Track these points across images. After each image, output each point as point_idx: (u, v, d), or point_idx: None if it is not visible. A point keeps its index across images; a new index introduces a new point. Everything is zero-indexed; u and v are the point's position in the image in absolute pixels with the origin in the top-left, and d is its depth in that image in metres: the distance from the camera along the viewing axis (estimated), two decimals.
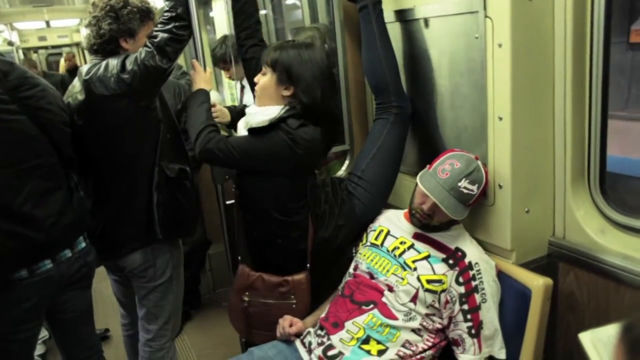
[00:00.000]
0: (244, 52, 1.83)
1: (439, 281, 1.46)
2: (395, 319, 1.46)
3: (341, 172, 2.23)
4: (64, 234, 1.59)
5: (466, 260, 1.48)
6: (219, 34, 3.33)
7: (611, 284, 1.42)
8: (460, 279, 1.46)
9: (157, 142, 1.74)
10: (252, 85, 1.82)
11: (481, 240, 1.58)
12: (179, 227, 1.85)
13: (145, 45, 1.60)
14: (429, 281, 1.47)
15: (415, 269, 1.49)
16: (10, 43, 8.13)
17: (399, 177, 1.80)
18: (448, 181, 1.44)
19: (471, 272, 1.46)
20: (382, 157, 1.73)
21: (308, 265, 1.65)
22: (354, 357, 1.44)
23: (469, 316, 1.45)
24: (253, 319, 1.72)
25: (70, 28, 9.87)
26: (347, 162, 2.24)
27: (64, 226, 1.57)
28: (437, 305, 1.47)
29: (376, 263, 1.56)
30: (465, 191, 1.44)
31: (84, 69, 1.67)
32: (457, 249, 1.50)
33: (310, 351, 1.52)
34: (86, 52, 1.92)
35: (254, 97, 1.68)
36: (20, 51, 8.73)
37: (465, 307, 1.45)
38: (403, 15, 1.76)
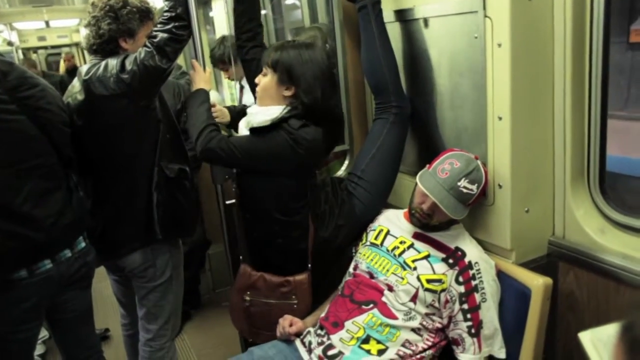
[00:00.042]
0: (245, 53, 1.83)
1: (439, 281, 1.46)
2: (395, 318, 1.46)
3: (341, 172, 2.23)
4: (63, 234, 1.59)
5: (466, 260, 1.48)
6: (218, 34, 3.33)
7: (611, 283, 1.42)
8: (460, 279, 1.46)
9: (157, 142, 1.74)
10: (253, 86, 1.82)
11: (481, 240, 1.58)
12: (178, 227, 1.85)
13: (145, 45, 1.60)
14: (428, 281, 1.47)
15: (415, 268, 1.49)
16: (9, 43, 8.13)
17: (399, 177, 1.80)
18: (448, 181, 1.44)
19: (471, 272, 1.46)
20: (382, 157, 1.73)
21: (309, 265, 1.65)
22: (353, 356, 1.44)
23: (468, 315, 1.45)
24: (254, 318, 1.72)
25: (69, 28, 9.87)
26: (346, 162, 2.25)
27: (63, 226, 1.57)
28: (437, 304, 1.47)
29: (376, 263, 1.56)
30: (464, 191, 1.44)
31: (83, 69, 1.67)
32: (457, 249, 1.50)
33: (310, 351, 1.52)
34: (86, 52, 1.91)
35: (255, 97, 1.68)
36: (20, 51, 8.73)
37: (465, 306, 1.45)
38: (402, 15, 1.76)
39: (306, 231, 1.63)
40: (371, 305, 1.49)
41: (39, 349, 2.65)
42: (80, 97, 1.64)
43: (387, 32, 1.73)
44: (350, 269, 1.64)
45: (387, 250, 1.57)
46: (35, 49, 10.69)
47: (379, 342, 1.45)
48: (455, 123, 1.65)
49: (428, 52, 1.70)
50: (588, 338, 0.92)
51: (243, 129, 1.64)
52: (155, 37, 1.60)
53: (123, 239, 1.78)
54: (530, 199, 1.52)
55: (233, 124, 1.94)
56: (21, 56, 8.19)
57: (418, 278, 1.47)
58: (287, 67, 1.56)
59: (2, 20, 7.65)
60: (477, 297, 1.45)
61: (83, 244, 1.67)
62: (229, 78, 3.02)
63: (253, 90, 1.83)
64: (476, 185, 1.45)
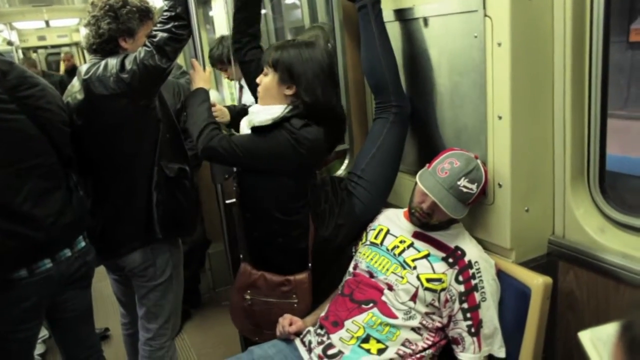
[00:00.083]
0: (243, 55, 1.83)
1: (439, 280, 1.46)
2: (395, 317, 1.46)
3: (341, 171, 2.23)
4: (63, 234, 1.59)
5: (466, 259, 1.48)
6: (218, 34, 3.33)
7: (611, 282, 1.42)
8: (460, 278, 1.46)
9: (157, 142, 1.74)
10: (252, 87, 1.82)
11: (481, 239, 1.58)
12: (178, 226, 1.86)
13: (145, 45, 1.60)
14: (428, 280, 1.47)
15: (414, 267, 1.49)
16: (9, 43, 8.13)
17: (399, 176, 1.80)
18: (447, 180, 1.44)
19: (471, 271, 1.46)
20: (382, 156, 1.73)
21: (309, 264, 1.65)
22: (353, 356, 1.44)
23: (468, 315, 1.45)
24: (254, 317, 1.73)
25: (69, 28, 9.87)
26: (346, 161, 2.24)
27: (63, 225, 1.57)
28: (436, 304, 1.47)
29: (376, 262, 1.56)
30: (464, 190, 1.44)
31: (83, 68, 1.67)
32: (457, 248, 1.50)
33: (310, 350, 1.52)
34: (85, 52, 1.91)
35: (255, 98, 1.68)
36: (20, 51, 8.73)
37: (465, 305, 1.45)
38: (402, 15, 1.76)
39: (306, 230, 1.63)
40: (371, 305, 1.49)
41: (39, 349, 2.66)
42: (80, 96, 1.64)
43: (387, 32, 1.73)
44: (350, 268, 1.64)
45: (387, 250, 1.57)
46: (35, 49, 10.70)
47: (378, 341, 1.45)
48: (455, 122, 1.65)
49: (428, 51, 1.70)
50: (588, 337, 0.92)
51: (245, 128, 1.64)
52: (155, 36, 1.60)
53: (123, 238, 1.78)
54: (530, 198, 1.52)
55: (233, 124, 1.94)
56: (21, 56, 8.20)
57: (418, 277, 1.47)
58: (287, 66, 1.56)
59: (2, 20, 7.66)
60: (477, 296, 1.45)
61: (83, 244, 1.67)
62: (228, 78, 3.02)
63: (253, 91, 1.83)
64: (476, 184, 1.45)
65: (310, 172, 1.67)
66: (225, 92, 3.62)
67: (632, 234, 1.41)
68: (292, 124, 1.53)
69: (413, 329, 1.47)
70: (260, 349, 1.59)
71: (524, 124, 1.45)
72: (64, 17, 8.43)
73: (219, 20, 3.56)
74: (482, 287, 1.46)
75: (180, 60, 3.80)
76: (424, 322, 1.47)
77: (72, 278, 1.64)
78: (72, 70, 6.08)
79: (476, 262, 1.47)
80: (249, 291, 1.70)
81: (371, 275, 1.55)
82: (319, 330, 1.55)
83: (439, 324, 1.49)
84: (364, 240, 1.68)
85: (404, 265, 1.51)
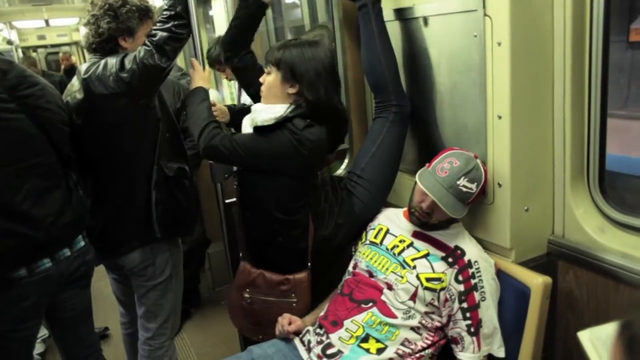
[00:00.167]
0: (236, 62, 1.81)
1: (438, 279, 1.46)
2: (395, 317, 1.46)
3: (340, 170, 2.23)
4: (63, 233, 1.59)
5: (465, 259, 1.48)
6: (218, 33, 3.33)
7: (610, 282, 1.42)
8: (460, 277, 1.46)
9: (156, 141, 1.74)
10: (249, 93, 1.82)
11: (480, 239, 1.58)
12: (177, 226, 1.85)
13: (144, 44, 1.60)
14: (428, 279, 1.47)
15: (414, 267, 1.49)
16: (9, 42, 8.13)
17: (399, 176, 1.80)
18: (447, 179, 1.44)
19: (470, 270, 1.46)
20: (382, 156, 1.73)
21: (309, 264, 1.65)
22: (353, 355, 1.44)
23: (468, 314, 1.45)
24: (253, 316, 1.72)
25: (69, 27, 9.87)
26: (346, 160, 2.25)
27: (62, 225, 1.57)
28: (436, 303, 1.47)
29: (375, 261, 1.56)
30: (464, 189, 1.44)
31: (82, 67, 1.67)
32: (457, 247, 1.50)
33: (309, 350, 1.52)
34: (85, 51, 1.91)
35: (252, 101, 1.68)
36: (20, 50, 8.73)
37: (465, 305, 1.45)
38: (402, 14, 1.76)
39: (306, 230, 1.63)
40: (370, 304, 1.49)
41: (39, 348, 2.66)
42: (79, 95, 1.64)
43: (387, 31, 1.73)
44: (350, 268, 1.64)
45: (387, 249, 1.57)
46: (35, 48, 10.70)
47: (378, 340, 1.45)
48: (454, 122, 1.65)
49: (428, 51, 1.69)
50: (587, 337, 0.92)
51: (247, 127, 1.64)
52: (154, 35, 1.59)
53: (122, 237, 1.78)
54: (530, 197, 1.51)
55: (233, 123, 1.94)
56: (21, 55, 8.19)
57: (417, 277, 1.47)
58: (290, 65, 1.56)
59: (2, 19, 7.66)
60: (477, 295, 1.45)
61: (82, 243, 1.67)
62: (227, 78, 3.02)
63: (252, 96, 1.82)
64: (475, 184, 1.45)
65: (312, 173, 1.66)
66: (224, 92, 3.63)
67: (632, 234, 1.41)
68: (295, 124, 1.53)
69: (412, 329, 1.47)
70: (260, 348, 1.59)
71: (523, 124, 1.45)
72: (64, 16, 8.43)
73: (218, 19, 3.56)
74: (482, 287, 1.46)
75: (180, 60, 3.80)
76: (424, 321, 1.47)
77: (72, 277, 1.64)
78: (70, 70, 6.08)
79: (476, 261, 1.47)
80: (248, 290, 1.70)
81: (371, 275, 1.55)
82: (318, 330, 1.55)
83: (438, 324, 1.49)
84: (363, 239, 1.68)
85: (403, 264, 1.51)
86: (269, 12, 3.66)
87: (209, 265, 3.30)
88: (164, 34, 1.59)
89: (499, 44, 1.40)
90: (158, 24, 1.62)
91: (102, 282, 2.30)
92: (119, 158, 1.73)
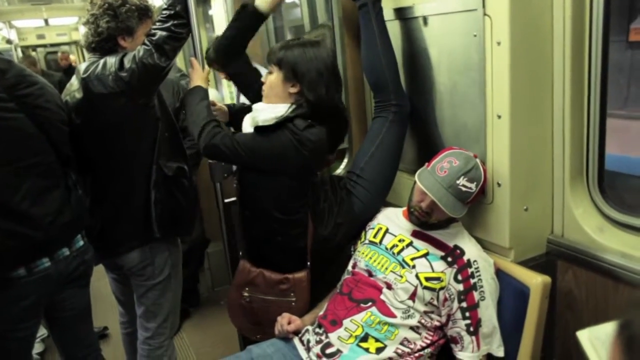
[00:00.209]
0: (231, 67, 1.80)
1: (438, 279, 1.46)
2: (394, 316, 1.46)
3: (340, 170, 2.23)
4: (62, 233, 1.58)
5: (465, 258, 1.48)
6: (218, 32, 3.33)
7: (609, 282, 1.43)
8: (459, 277, 1.46)
9: (155, 140, 1.74)
10: (248, 97, 1.81)
11: (480, 238, 1.58)
12: (176, 225, 1.85)
13: (144, 44, 1.60)
14: (427, 279, 1.47)
15: (413, 266, 1.49)
16: (8, 41, 8.13)
17: (398, 175, 1.80)
18: (446, 179, 1.44)
19: (470, 270, 1.46)
20: (381, 155, 1.72)
21: (308, 263, 1.65)
22: (352, 354, 1.44)
23: (467, 314, 1.45)
24: (252, 315, 1.72)
25: (68, 26, 9.87)
26: (345, 160, 2.24)
27: (61, 224, 1.57)
28: (435, 302, 1.47)
29: (375, 261, 1.56)
30: (463, 189, 1.44)
31: (81, 67, 1.67)
32: (456, 247, 1.50)
33: (308, 349, 1.52)
34: (84, 50, 1.91)
35: (250, 104, 1.68)
36: (19, 49, 8.73)
37: (464, 304, 1.45)
38: (402, 14, 1.76)
39: (305, 229, 1.63)
40: (370, 304, 1.49)
41: (38, 348, 2.66)
42: (78, 95, 1.64)
43: (387, 31, 1.73)
44: (349, 267, 1.64)
45: (386, 249, 1.57)
46: (34, 47, 10.69)
47: (377, 340, 1.45)
48: (454, 121, 1.65)
49: (427, 50, 1.69)
50: (586, 337, 0.92)
51: (247, 126, 1.64)
52: (154, 35, 1.59)
53: (121, 237, 1.78)
54: (529, 197, 1.51)
55: (233, 123, 1.94)
56: (20, 54, 8.18)
57: (417, 276, 1.47)
58: (291, 64, 1.56)
59: (1, 18, 7.66)
60: (476, 295, 1.45)
61: (81, 243, 1.66)
62: (226, 77, 3.02)
63: (251, 101, 1.81)
64: (475, 183, 1.45)
65: (312, 173, 1.66)
66: (224, 91, 3.62)
67: (631, 234, 1.41)
68: (296, 124, 1.53)
69: (412, 328, 1.47)
70: (259, 347, 1.59)
71: (523, 123, 1.45)
72: (63, 15, 8.43)
73: (218, 19, 3.56)
74: (481, 286, 1.46)
75: (179, 59, 3.80)
76: (423, 321, 1.47)
77: (71, 277, 1.64)
78: (68, 69, 6.07)
79: (475, 261, 1.47)
80: (247, 289, 1.70)
81: (370, 274, 1.55)
82: (317, 329, 1.55)
83: (437, 323, 1.49)
84: (363, 239, 1.68)
85: (403, 264, 1.51)
86: None
87: (208, 265, 3.30)
88: (164, 33, 1.59)
89: (499, 43, 1.40)
90: (157, 23, 1.62)
91: (101, 281, 2.30)
92: (118, 157, 1.72)
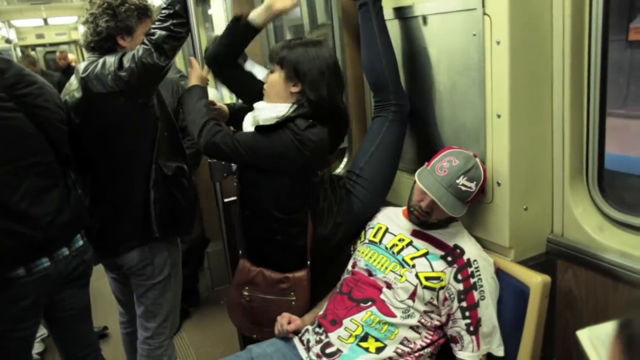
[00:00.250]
0: (224, 75, 1.79)
1: (438, 278, 1.46)
2: (394, 316, 1.46)
3: (339, 170, 2.23)
4: (61, 232, 1.58)
5: (465, 258, 1.48)
6: (217, 32, 3.32)
7: (609, 281, 1.43)
8: (459, 276, 1.46)
9: (155, 140, 1.74)
10: (242, 98, 1.81)
11: (480, 238, 1.58)
12: (176, 225, 1.85)
13: (143, 43, 1.59)
14: (427, 278, 1.47)
15: (413, 266, 1.49)
16: (8, 41, 8.12)
17: (398, 175, 1.80)
18: (446, 178, 1.44)
19: (470, 269, 1.46)
20: (381, 155, 1.72)
21: (308, 262, 1.65)
22: (352, 354, 1.44)
23: (467, 313, 1.45)
24: (252, 314, 1.72)
25: (68, 26, 9.87)
26: (345, 159, 2.24)
27: (61, 224, 1.57)
28: (435, 302, 1.47)
29: (374, 260, 1.56)
30: (463, 188, 1.44)
31: (81, 66, 1.66)
32: (456, 246, 1.50)
33: (308, 349, 1.52)
34: (84, 50, 1.91)
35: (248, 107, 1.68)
36: (18, 49, 8.72)
37: (464, 304, 1.45)
38: (401, 13, 1.76)
39: (305, 228, 1.63)
40: (369, 303, 1.49)
41: (38, 347, 2.66)
42: (77, 94, 1.64)
43: (387, 30, 1.72)
44: (349, 267, 1.64)
45: (386, 248, 1.57)
46: (33, 47, 10.69)
47: (377, 339, 1.45)
48: (453, 121, 1.65)
49: (427, 49, 1.69)
50: (586, 336, 0.92)
51: (248, 125, 1.64)
52: (153, 34, 1.59)
53: (121, 236, 1.78)
54: (529, 196, 1.51)
55: (233, 122, 1.94)
56: (19, 54, 8.18)
57: (417, 276, 1.47)
58: (293, 64, 1.56)
59: (1, 18, 7.65)
60: (476, 294, 1.45)
61: (81, 242, 1.66)
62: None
63: (248, 102, 1.81)
64: (475, 183, 1.45)
65: (312, 173, 1.66)
66: (223, 90, 3.61)
67: (631, 233, 1.41)
68: (297, 124, 1.52)
69: (412, 328, 1.47)
70: (259, 347, 1.59)
71: (522, 123, 1.45)
72: (63, 15, 8.42)
73: (217, 18, 3.55)
74: (481, 286, 1.46)
75: (179, 59, 3.79)
76: (423, 320, 1.47)
77: (70, 277, 1.64)
78: (67, 69, 6.06)
79: (475, 260, 1.47)
80: (247, 288, 1.70)
81: (370, 274, 1.55)
82: (317, 329, 1.55)
83: (437, 323, 1.49)
84: (362, 238, 1.68)
85: (402, 263, 1.51)
86: None
87: (208, 265, 3.30)
88: (163, 32, 1.59)
89: (498, 42, 1.40)
90: (157, 23, 1.62)
91: (101, 281, 2.30)
92: (118, 157, 1.72)
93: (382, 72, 1.72)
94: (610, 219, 1.46)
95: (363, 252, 1.61)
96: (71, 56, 7.37)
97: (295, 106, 1.56)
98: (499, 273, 1.52)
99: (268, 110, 1.57)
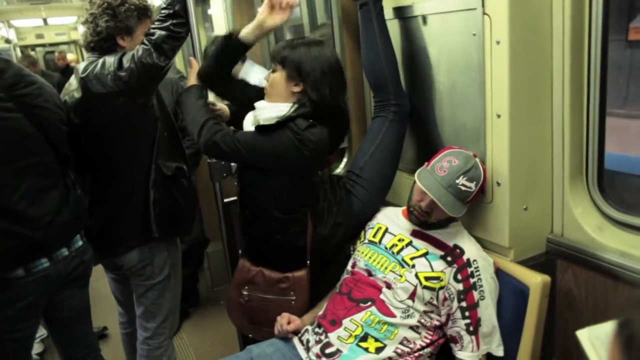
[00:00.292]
0: (216, 89, 1.77)
1: (437, 278, 1.46)
2: (393, 316, 1.46)
3: (339, 169, 2.22)
4: (60, 233, 1.58)
5: (464, 258, 1.48)
6: (217, 32, 3.32)
7: (609, 281, 1.42)
8: (459, 276, 1.46)
9: (154, 140, 1.74)
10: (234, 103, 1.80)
11: (479, 238, 1.58)
12: (175, 225, 1.85)
13: (143, 43, 1.59)
14: (427, 278, 1.47)
15: (413, 266, 1.49)
16: (7, 41, 8.12)
17: (398, 175, 1.79)
18: (446, 178, 1.44)
19: (469, 269, 1.46)
20: (381, 155, 1.72)
21: (308, 262, 1.65)
22: (351, 354, 1.44)
23: (467, 313, 1.45)
24: (251, 313, 1.72)
25: (67, 26, 9.86)
26: (345, 159, 2.24)
27: (60, 224, 1.57)
28: (435, 302, 1.47)
29: (374, 260, 1.55)
30: (463, 188, 1.43)
31: (80, 66, 1.66)
32: (456, 246, 1.50)
33: (308, 349, 1.52)
34: (83, 50, 1.91)
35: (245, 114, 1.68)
36: (18, 49, 8.72)
37: (464, 304, 1.45)
38: (401, 13, 1.76)
39: (304, 228, 1.63)
40: (369, 303, 1.49)
41: (37, 348, 2.65)
42: (77, 94, 1.64)
43: (387, 30, 1.72)
44: (349, 267, 1.63)
45: (386, 248, 1.57)
46: (33, 47, 10.68)
47: (377, 340, 1.45)
48: (453, 121, 1.65)
49: (427, 49, 1.69)
50: (586, 336, 0.92)
51: (249, 124, 1.63)
52: (153, 34, 1.59)
53: (120, 237, 1.78)
54: (529, 196, 1.51)
55: (234, 122, 1.93)
56: (19, 54, 8.18)
57: (416, 276, 1.47)
58: (296, 63, 1.56)
59: (0, 18, 7.64)
60: (476, 294, 1.45)
61: (80, 243, 1.66)
62: None
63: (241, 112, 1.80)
64: (474, 183, 1.45)
65: (312, 173, 1.66)
66: None
67: (631, 233, 1.41)
68: (297, 124, 1.52)
69: (411, 328, 1.47)
70: (259, 347, 1.59)
71: (522, 123, 1.45)
72: (62, 15, 8.42)
73: (217, 18, 3.55)
74: (481, 286, 1.46)
75: (178, 59, 3.79)
76: (423, 320, 1.47)
77: (70, 277, 1.64)
78: (65, 69, 6.05)
79: (475, 260, 1.47)
80: (246, 287, 1.70)
81: (369, 274, 1.54)
82: (316, 329, 1.55)
83: (437, 323, 1.49)
84: (362, 238, 1.68)
85: (402, 263, 1.51)
86: None
87: (207, 265, 3.30)
88: (163, 32, 1.58)
89: (498, 42, 1.40)
90: (156, 23, 1.62)
91: (100, 281, 2.30)
92: (117, 157, 1.72)
93: (382, 72, 1.72)
94: (610, 219, 1.46)
95: (363, 252, 1.60)
96: (72, 56, 7.36)
97: (296, 106, 1.56)
98: (499, 273, 1.52)
99: (269, 110, 1.57)
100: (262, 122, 1.56)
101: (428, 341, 1.48)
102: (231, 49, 1.63)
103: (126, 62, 1.57)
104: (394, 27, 1.78)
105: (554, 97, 1.48)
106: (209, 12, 3.85)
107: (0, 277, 1.48)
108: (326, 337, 1.50)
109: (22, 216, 1.48)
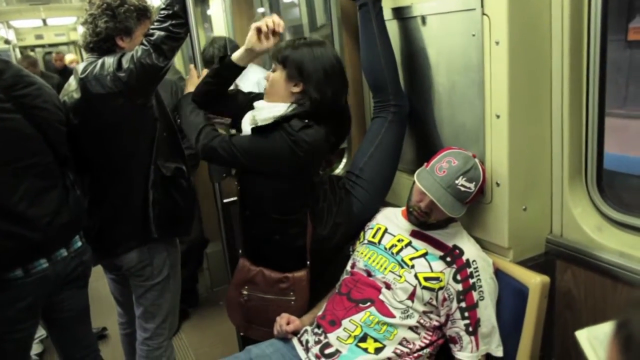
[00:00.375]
0: (212, 107, 1.76)
1: (437, 279, 1.46)
2: (393, 316, 1.46)
3: (339, 170, 2.22)
4: (59, 233, 1.58)
5: (464, 258, 1.48)
6: (216, 32, 3.32)
7: (608, 281, 1.43)
8: (458, 277, 1.46)
9: (154, 141, 1.74)
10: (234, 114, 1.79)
11: (479, 238, 1.58)
12: (174, 226, 1.85)
13: (142, 44, 1.59)
14: (426, 279, 1.47)
15: (412, 266, 1.49)
16: (6, 41, 8.12)
17: (397, 175, 1.80)
18: (445, 179, 1.44)
19: (469, 270, 1.46)
20: (380, 155, 1.72)
21: (308, 262, 1.65)
22: (351, 355, 1.44)
23: (466, 314, 1.45)
24: (251, 313, 1.72)
25: (67, 26, 9.87)
26: (344, 160, 2.24)
27: (59, 225, 1.56)
28: (434, 302, 1.47)
29: (374, 261, 1.55)
30: (462, 189, 1.43)
31: (79, 67, 1.66)
32: (455, 247, 1.50)
33: (307, 349, 1.52)
34: (82, 50, 1.91)
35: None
36: (17, 49, 8.72)
37: (463, 304, 1.45)
38: (400, 13, 1.76)
39: (304, 228, 1.63)
40: (368, 304, 1.49)
41: (37, 348, 2.65)
42: (76, 95, 1.64)
43: (387, 31, 1.72)
44: (348, 267, 1.63)
45: (385, 249, 1.57)
46: (32, 47, 10.68)
47: (376, 340, 1.45)
48: (453, 121, 1.65)
49: (426, 50, 1.69)
50: (585, 336, 0.92)
51: (247, 124, 1.64)
52: (152, 35, 1.59)
53: (120, 237, 1.78)
54: (528, 197, 1.51)
55: (233, 124, 1.93)
56: (18, 55, 8.17)
57: (416, 276, 1.47)
58: (297, 64, 1.55)
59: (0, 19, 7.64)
60: (475, 295, 1.45)
61: (79, 243, 1.66)
62: None
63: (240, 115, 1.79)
64: (474, 183, 1.45)
65: (309, 173, 1.66)
66: None
67: (630, 233, 1.41)
68: (292, 125, 1.52)
69: (411, 328, 1.47)
70: (258, 348, 1.59)
71: (521, 123, 1.45)
72: (62, 15, 8.42)
73: (216, 18, 3.56)
74: (480, 286, 1.46)
75: (178, 59, 3.79)
76: (422, 321, 1.47)
77: (69, 278, 1.63)
78: (64, 70, 6.05)
79: (474, 260, 1.47)
80: (246, 287, 1.70)
81: (369, 274, 1.54)
82: (316, 330, 1.55)
83: (436, 323, 1.49)
84: (361, 239, 1.68)
85: (402, 264, 1.51)
86: (268, 11, 3.65)
87: (207, 265, 3.30)
88: (162, 33, 1.58)
89: (497, 43, 1.40)
90: (155, 23, 1.62)
91: (99, 282, 2.30)
92: (117, 158, 1.72)
93: (381, 73, 1.72)
94: (609, 219, 1.46)
95: (362, 253, 1.60)
96: (72, 56, 7.36)
97: (294, 106, 1.56)
98: (498, 273, 1.52)
99: (267, 110, 1.57)
100: (259, 122, 1.56)
101: (427, 342, 1.48)
102: (227, 72, 1.66)
103: (125, 63, 1.57)
104: (393, 28, 1.79)
105: (553, 97, 1.48)
106: (208, 12, 3.86)
107: None
108: (325, 337, 1.50)
109: (21, 217, 1.48)
